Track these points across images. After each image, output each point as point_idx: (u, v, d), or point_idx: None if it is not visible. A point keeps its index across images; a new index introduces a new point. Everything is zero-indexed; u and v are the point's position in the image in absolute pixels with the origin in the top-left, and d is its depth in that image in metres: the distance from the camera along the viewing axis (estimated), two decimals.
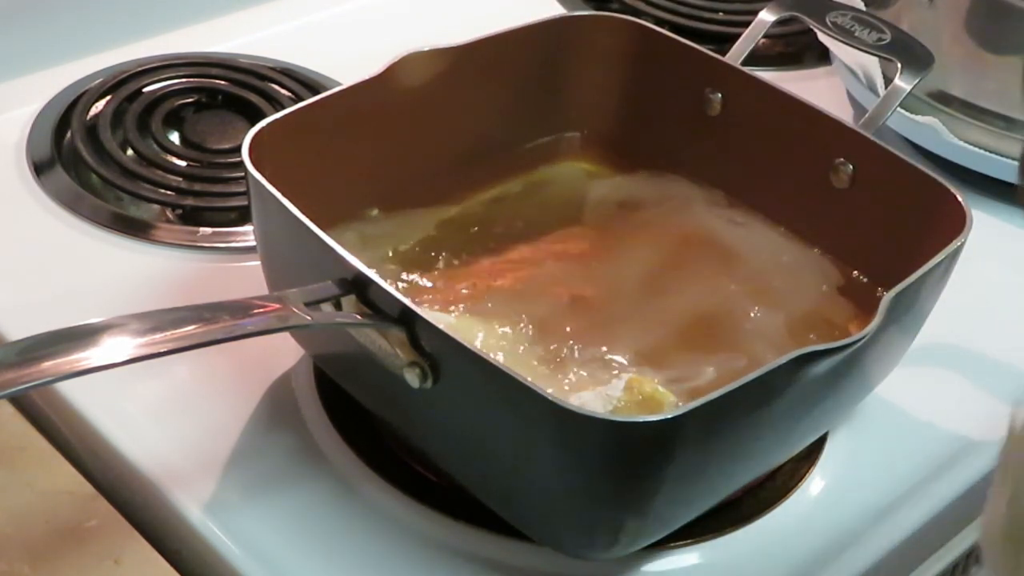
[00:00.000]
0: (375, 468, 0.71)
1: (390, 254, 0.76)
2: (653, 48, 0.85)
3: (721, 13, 1.14)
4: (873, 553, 0.71)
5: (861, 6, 0.91)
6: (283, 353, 0.76)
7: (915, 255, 0.68)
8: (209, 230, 0.86)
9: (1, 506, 0.67)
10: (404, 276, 0.74)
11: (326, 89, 0.88)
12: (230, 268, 0.83)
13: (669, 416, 0.58)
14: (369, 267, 0.63)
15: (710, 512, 0.69)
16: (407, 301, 0.61)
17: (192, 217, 0.87)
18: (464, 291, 0.74)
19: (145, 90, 0.95)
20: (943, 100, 0.96)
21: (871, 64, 0.96)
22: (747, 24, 0.84)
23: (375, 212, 0.78)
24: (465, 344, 0.60)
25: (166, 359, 0.57)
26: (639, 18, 0.89)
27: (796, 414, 0.66)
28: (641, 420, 0.58)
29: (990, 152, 0.95)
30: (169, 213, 0.87)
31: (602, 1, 1.15)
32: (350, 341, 0.65)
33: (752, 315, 0.75)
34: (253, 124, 0.71)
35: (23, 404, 0.73)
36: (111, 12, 1.00)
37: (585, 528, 0.64)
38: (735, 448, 0.63)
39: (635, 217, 0.81)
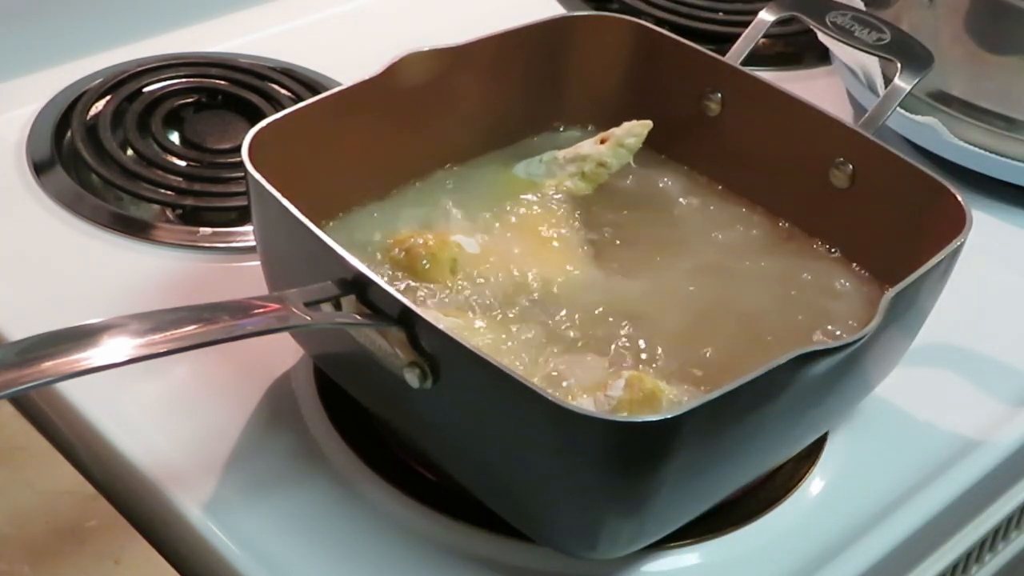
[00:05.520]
0: (375, 468, 0.71)
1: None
2: (653, 48, 0.85)
3: (721, 13, 1.14)
4: (873, 553, 0.71)
5: (861, 6, 0.91)
6: (283, 353, 0.76)
7: (915, 255, 0.68)
8: (209, 230, 0.86)
9: (1, 506, 0.67)
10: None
11: (326, 89, 0.88)
12: (230, 268, 0.83)
13: (669, 416, 0.58)
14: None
15: (710, 512, 0.69)
16: (407, 301, 0.61)
17: (192, 217, 0.87)
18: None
19: (145, 90, 0.95)
20: (943, 100, 0.96)
21: (871, 64, 0.96)
22: (747, 24, 0.84)
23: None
24: (465, 344, 0.60)
25: (166, 359, 0.57)
26: (639, 18, 0.89)
27: (796, 414, 0.66)
28: (640, 420, 0.58)
29: (990, 152, 0.95)
30: (169, 213, 0.87)
31: (602, 1, 1.15)
32: (350, 341, 0.65)
33: (750, 314, 0.75)
34: (253, 124, 0.71)
35: (23, 404, 0.73)
36: (111, 12, 1.00)
37: (585, 528, 0.64)
38: (735, 448, 0.64)
39: (632, 216, 0.81)
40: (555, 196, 0.81)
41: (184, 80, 0.97)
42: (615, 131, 0.82)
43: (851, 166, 0.78)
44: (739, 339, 0.74)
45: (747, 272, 0.78)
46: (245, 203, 0.73)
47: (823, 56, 1.07)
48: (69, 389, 0.73)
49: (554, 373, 0.69)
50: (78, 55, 0.98)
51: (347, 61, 0.95)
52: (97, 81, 0.96)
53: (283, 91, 0.97)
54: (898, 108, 0.79)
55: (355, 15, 1.09)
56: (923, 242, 0.70)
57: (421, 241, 0.74)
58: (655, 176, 0.84)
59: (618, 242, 0.79)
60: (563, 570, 0.68)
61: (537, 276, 0.75)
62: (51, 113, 0.93)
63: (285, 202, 0.66)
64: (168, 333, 0.57)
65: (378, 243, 0.75)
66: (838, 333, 0.74)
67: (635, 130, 0.82)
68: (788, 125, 0.81)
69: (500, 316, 0.72)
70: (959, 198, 0.72)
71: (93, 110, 0.93)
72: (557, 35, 0.84)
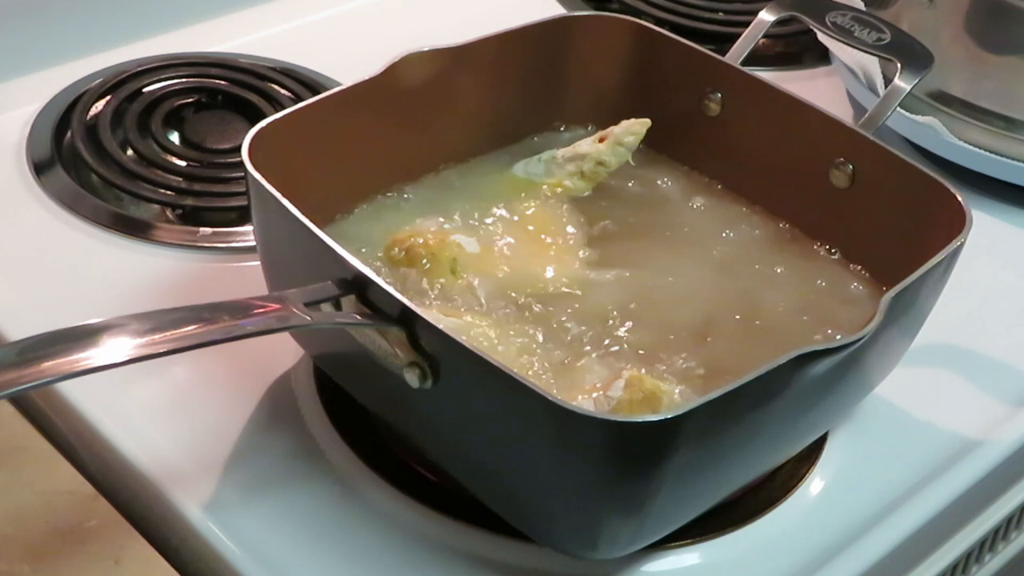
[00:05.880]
0: (375, 468, 0.71)
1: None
2: (653, 48, 0.85)
3: (721, 13, 1.14)
4: (873, 553, 0.71)
5: (861, 6, 0.91)
6: (283, 353, 0.76)
7: (915, 255, 0.68)
8: (209, 230, 0.86)
9: (1, 506, 0.67)
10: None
11: (326, 89, 0.88)
12: (230, 268, 0.83)
13: (669, 416, 0.58)
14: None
15: (710, 512, 0.69)
16: (407, 301, 0.61)
17: (192, 217, 0.87)
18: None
19: (145, 90, 0.95)
20: (943, 100, 0.96)
21: (871, 64, 0.96)
22: (747, 24, 0.84)
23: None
24: (465, 344, 0.60)
25: (166, 359, 0.57)
26: (639, 18, 0.89)
27: (796, 414, 0.66)
28: (640, 420, 0.58)
29: (990, 152, 0.95)
30: (169, 213, 0.87)
31: (602, 1, 1.15)
32: (350, 341, 0.65)
33: (750, 314, 0.75)
34: (253, 124, 0.71)
35: (23, 404, 0.73)
36: (111, 12, 1.00)
37: (585, 528, 0.64)
38: (735, 448, 0.64)
39: (633, 216, 0.82)
40: (554, 195, 0.81)
41: (184, 80, 0.97)
42: (614, 129, 0.82)
43: (851, 166, 0.78)
44: (739, 339, 0.74)
45: (746, 272, 0.78)
46: (245, 203, 0.73)
47: (823, 56, 1.07)
48: (69, 389, 0.73)
49: (554, 373, 0.69)
50: (78, 55, 0.98)
51: (347, 61, 0.95)
52: (97, 81, 0.96)
53: (283, 91, 0.97)
54: (898, 108, 0.79)
55: (355, 15, 1.09)
56: (923, 242, 0.70)
57: (421, 240, 0.74)
58: (655, 176, 0.84)
59: (618, 242, 0.79)
60: (563, 570, 0.68)
61: (537, 275, 0.75)
62: (51, 113, 0.93)
63: (285, 202, 0.66)
64: (168, 333, 0.57)
65: (378, 243, 0.75)
66: (833, 334, 0.73)
67: (633, 128, 0.82)
68: (788, 125, 0.81)
69: (500, 316, 0.72)
70: (959, 198, 0.72)
71: (93, 110, 0.93)
72: (557, 35, 0.84)
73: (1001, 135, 0.95)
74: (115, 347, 0.56)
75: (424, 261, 0.73)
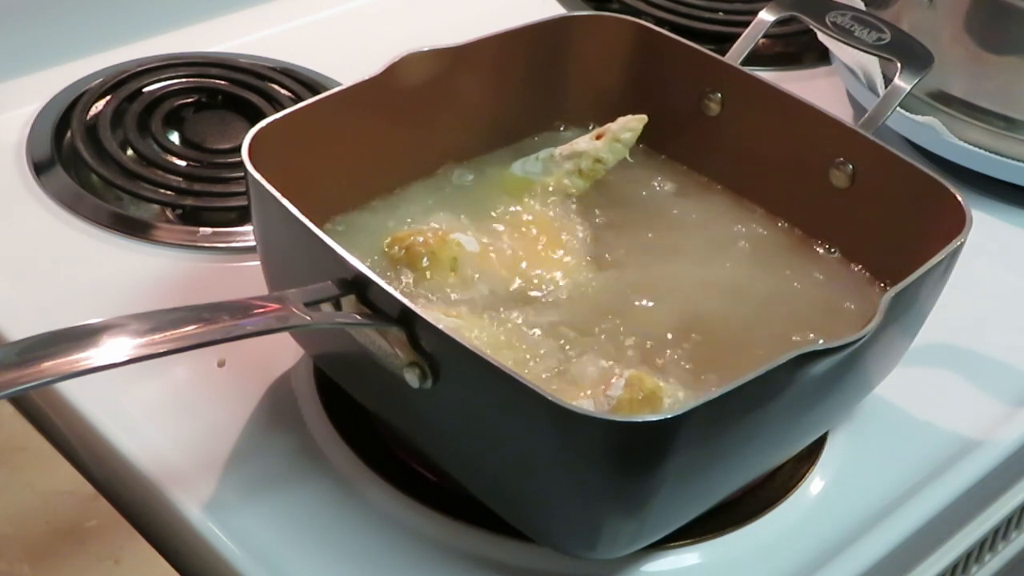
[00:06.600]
0: (375, 468, 0.71)
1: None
2: (653, 48, 0.85)
3: (721, 13, 1.14)
4: (873, 553, 0.71)
5: (861, 6, 0.91)
6: (283, 353, 0.76)
7: (915, 255, 0.68)
8: (209, 230, 0.86)
9: (1, 506, 0.67)
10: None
11: (326, 89, 0.88)
12: (230, 268, 0.83)
13: (669, 416, 0.58)
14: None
15: (710, 512, 0.69)
16: (407, 301, 0.61)
17: (192, 217, 0.87)
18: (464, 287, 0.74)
19: (145, 90, 0.95)
20: (943, 100, 0.96)
21: (871, 64, 0.96)
22: (747, 24, 0.84)
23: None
24: (465, 344, 0.60)
25: (166, 359, 0.57)
26: (639, 18, 0.89)
27: (796, 414, 0.66)
28: (641, 420, 0.58)
29: (990, 152, 0.95)
30: (169, 213, 0.87)
31: (602, 1, 1.15)
32: (350, 341, 0.65)
33: (751, 314, 0.75)
34: (253, 124, 0.71)
35: (23, 404, 0.73)
36: (111, 12, 1.00)
37: (585, 528, 0.64)
38: (735, 448, 0.64)
39: (633, 215, 0.81)
40: (553, 194, 0.81)
41: (184, 80, 0.97)
42: (611, 126, 0.82)
43: (851, 166, 0.78)
44: (739, 338, 0.73)
45: (747, 271, 0.78)
46: (245, 203, 0.73)
47: (823, 56, 1.07)
48: (69, 389, 0.73)
49: (554, 372, 0.69)
50: (78, 55, 0.98)
51: (347, 61, 0.95)
52: (97, 81, 0.96)
53: (283, 91, 0.97)
54: (898, 108, 0.79)
55: (355, 15, 1.09)
56: (923, 242, 0.70)
57: (421, 239, 0.74)
58: (654, 175, 0.84)
59: (617, 241, 0.79)
60: (563, 570, 0.68)
61: (537, 274, 0.75)
62: (51, 113, 0.93)
63: (285, 202, 0.66)
64: (168, 333, 0.57)
65: (378, 242, 0.75)
66: (833, 334, 0.73)
67: (630, 124, 0.82)
68: (788, 125, 0.81)
69: (500, 315, 0.72)
70: (959, 198, 0.72)
71: (93, 110, 0.93)
72: (557, 35, 0.84)
73: (1001, 135, 0.95)
74: (115, 347, 0.56)
75: (424, 260, 0.73)
